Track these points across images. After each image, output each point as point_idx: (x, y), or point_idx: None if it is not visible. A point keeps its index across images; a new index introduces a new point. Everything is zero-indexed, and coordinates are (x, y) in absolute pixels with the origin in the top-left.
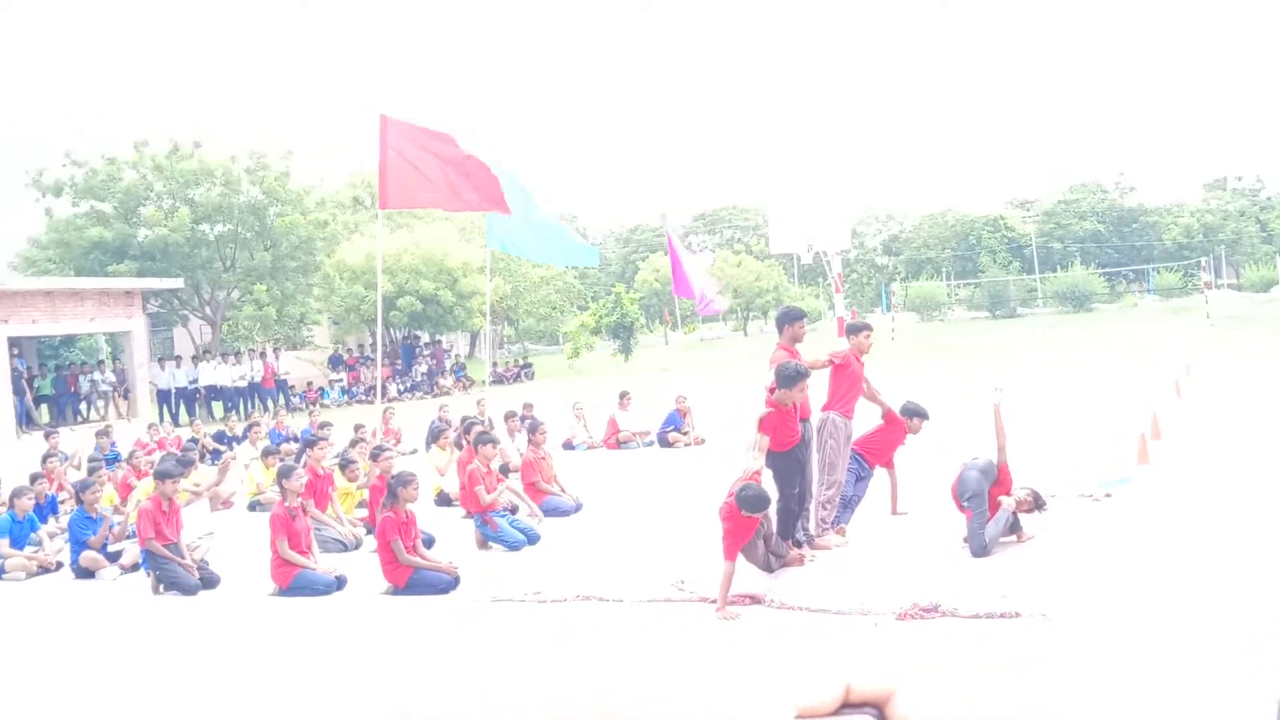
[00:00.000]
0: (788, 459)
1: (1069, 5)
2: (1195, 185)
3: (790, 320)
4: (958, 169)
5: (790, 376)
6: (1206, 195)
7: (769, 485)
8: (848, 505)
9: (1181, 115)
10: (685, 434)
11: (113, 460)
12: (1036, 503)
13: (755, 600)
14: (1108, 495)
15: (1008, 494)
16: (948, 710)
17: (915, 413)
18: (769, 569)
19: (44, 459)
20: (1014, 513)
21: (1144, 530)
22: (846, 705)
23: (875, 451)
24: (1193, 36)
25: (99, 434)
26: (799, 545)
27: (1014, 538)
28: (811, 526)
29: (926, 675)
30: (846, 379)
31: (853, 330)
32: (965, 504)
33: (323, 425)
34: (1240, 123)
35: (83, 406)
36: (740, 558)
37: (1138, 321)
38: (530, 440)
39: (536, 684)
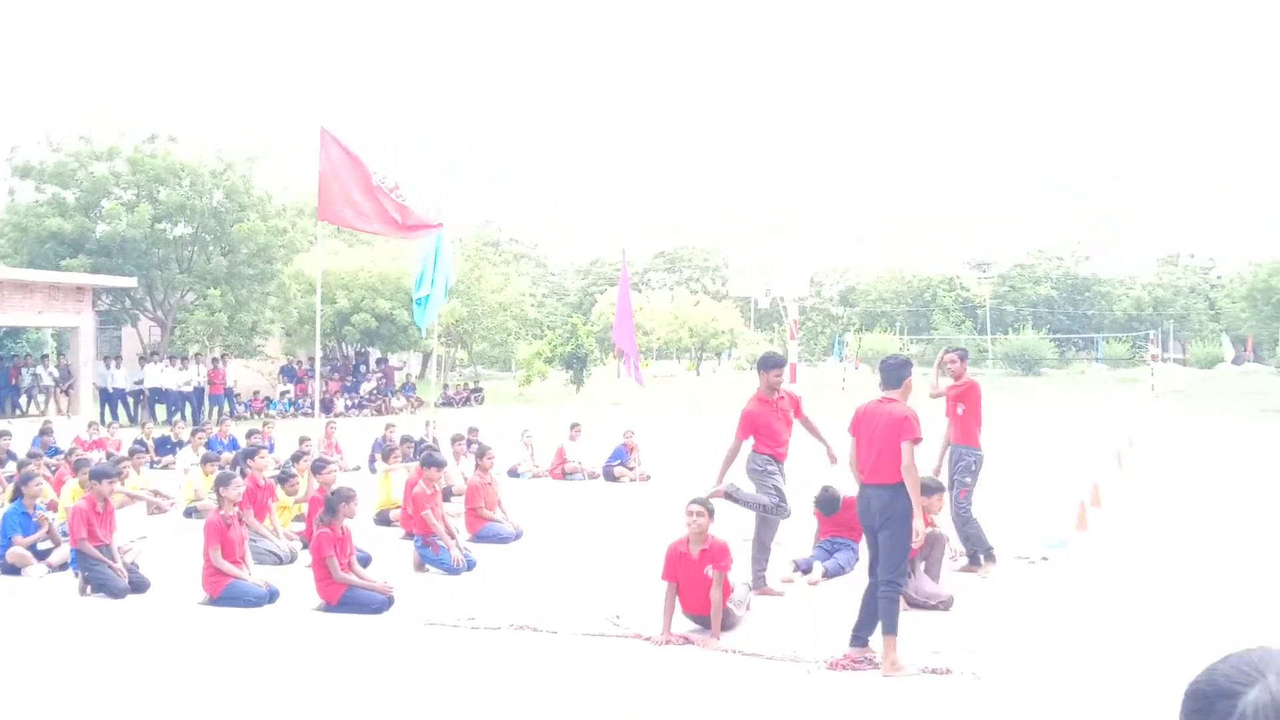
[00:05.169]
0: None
1: (1042, 75)
2: (1149, 259)
3: (765, 367)
4: (918, 227)
5: (896, 366)
6: (1159, 270)
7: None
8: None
9: (1139, 189)
10: (631, 469)
11: (54, 454)
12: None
13: (687, 641)
14: (1044, 558)
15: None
16: None
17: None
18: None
19: None
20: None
21: (1078, 595)
22: None
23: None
24: (1161, 115)
25: (43, 432)
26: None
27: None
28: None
29: None
30: (762, 424)
31: (763, 366)
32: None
33: (250, 434)
34: (1196, 201)
35: (22, 400)
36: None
37: (1084, 389)
38: (477, 465)
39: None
